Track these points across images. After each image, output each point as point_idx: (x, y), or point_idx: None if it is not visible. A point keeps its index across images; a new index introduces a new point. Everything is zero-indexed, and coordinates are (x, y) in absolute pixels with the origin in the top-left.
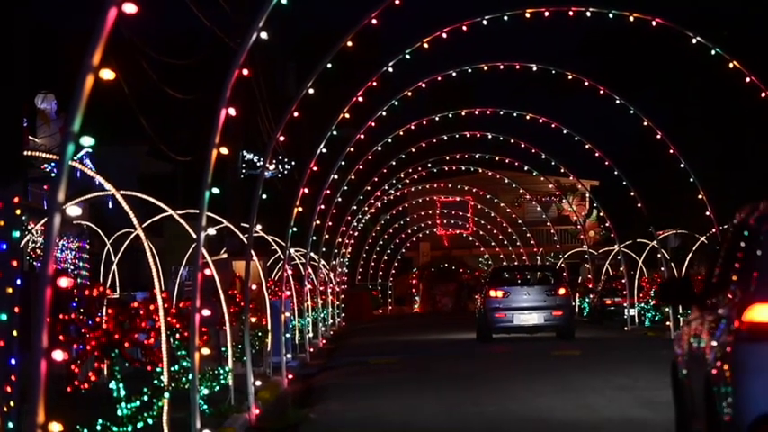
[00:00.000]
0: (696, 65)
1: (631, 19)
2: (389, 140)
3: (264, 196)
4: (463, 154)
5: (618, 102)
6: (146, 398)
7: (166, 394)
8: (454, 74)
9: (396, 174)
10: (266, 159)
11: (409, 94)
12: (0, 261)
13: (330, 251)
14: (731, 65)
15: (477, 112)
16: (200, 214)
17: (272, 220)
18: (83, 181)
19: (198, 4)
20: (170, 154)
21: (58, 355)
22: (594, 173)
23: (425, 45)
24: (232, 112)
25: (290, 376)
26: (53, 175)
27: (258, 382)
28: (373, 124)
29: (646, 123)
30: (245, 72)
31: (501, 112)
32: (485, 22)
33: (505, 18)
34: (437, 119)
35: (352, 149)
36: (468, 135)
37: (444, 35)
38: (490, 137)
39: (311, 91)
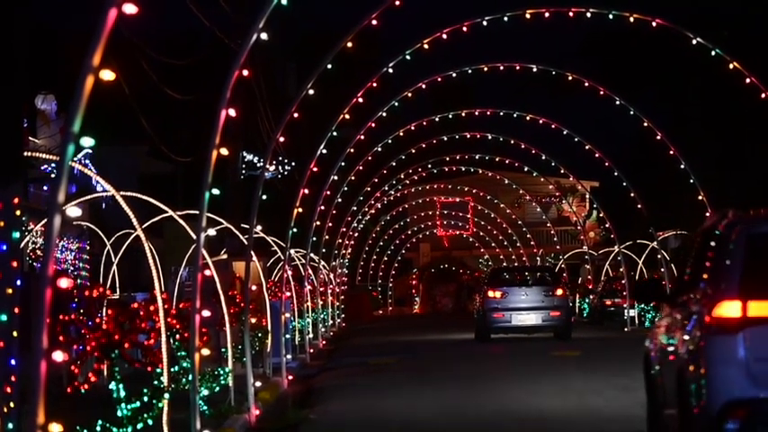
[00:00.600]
0: (696, 65)
1: (631, 20)
2: (389, 141)
3: (264, 197)
4: (463, 155)
5: (618, 102)
6: (146, 399)
7: (166, 395)
8: (454, 74)
9: (396, 174)
10: (266, 160)
11: (409, 94)
12: (0, 262)
13: (330, 252)
14: (731, 65)
15: (477, 113)
16: (201, 215)
17: (273, 220)
18: (83, 181)
19: (198, 4)
20: (170, 154)
21: (58, 356)
22: (595, 174)
23: (426, 46)
24: (232, 112)
25: (290, 377)
26: (53, 175)
27: (258, 383)
28: (373, 125)
29: (646, 124)
30: (246, 73)
31: (501, 113)
32: (485, 23)
33: (505, 19)
34: (437, 119)
35: (352, 150)
36: (468, 136)
37: (444, 36)
38: (490, 137)
39: (311, 91)
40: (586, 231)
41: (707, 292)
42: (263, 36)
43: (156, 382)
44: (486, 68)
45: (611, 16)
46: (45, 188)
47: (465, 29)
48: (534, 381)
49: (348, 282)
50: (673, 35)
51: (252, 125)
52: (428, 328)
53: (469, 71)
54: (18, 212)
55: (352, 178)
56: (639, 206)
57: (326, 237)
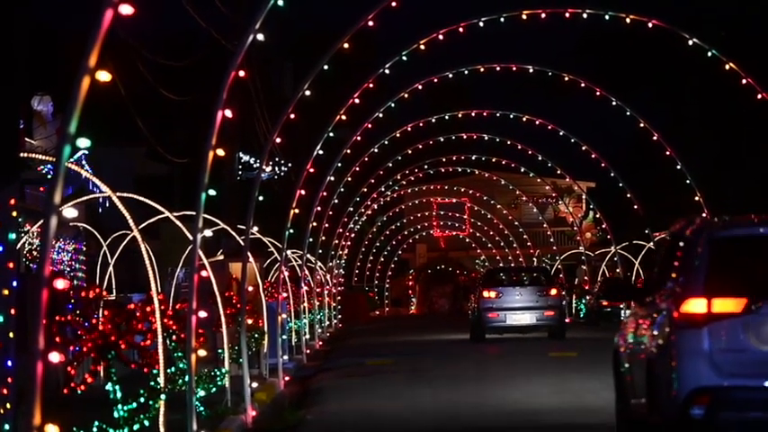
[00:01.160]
0: (693, 66)
1: (628, 20)
2: (386, 142)
3: (261, 198)
4: (460, 155)
5: (615, 103)
6: (142, 400)
7: (163, 396)
8: (451, 75)
9: (392, 175)
10: (263, 161)
11: (406, 95)
12: None
13: (327, 253)
14: (728, 66)
15: (473, 114)
16: (197, 216)
17: (269, 221)
18: (79, 183)
19: (194, 5)
20: (167, 155)
21: (55, 357)
22: (591, 174)
23: (422, 47)
24: (229, 113)
25: (287, 378)
26: (49, 176)
27: (255, 384)
28: (370, 126)
29: (642, 125)
30: (242, 73)
31: (497, 114)
32: (481, 24)
33: (502, 20)
34: (434, 120)
35: (348, 151)
36: (464, 137)
37: (441, 37)
38: (487, 138)
39: (308, 92)
40: (583, 232)
41: (675, 291)
42: (260, 37)
43: (152, 383)
44: (482, 69)
45: (607, 17)
46: (41, 189)
47: (461, 30)
48: (533, 382)
49: (345, 282)
50: (669, 36)
51: (248, 126)
52: (424, 329)
53: (466, 72)
54: (14, 213)
55: (349, 179)
56: (636, 207)
57: (323, 237)
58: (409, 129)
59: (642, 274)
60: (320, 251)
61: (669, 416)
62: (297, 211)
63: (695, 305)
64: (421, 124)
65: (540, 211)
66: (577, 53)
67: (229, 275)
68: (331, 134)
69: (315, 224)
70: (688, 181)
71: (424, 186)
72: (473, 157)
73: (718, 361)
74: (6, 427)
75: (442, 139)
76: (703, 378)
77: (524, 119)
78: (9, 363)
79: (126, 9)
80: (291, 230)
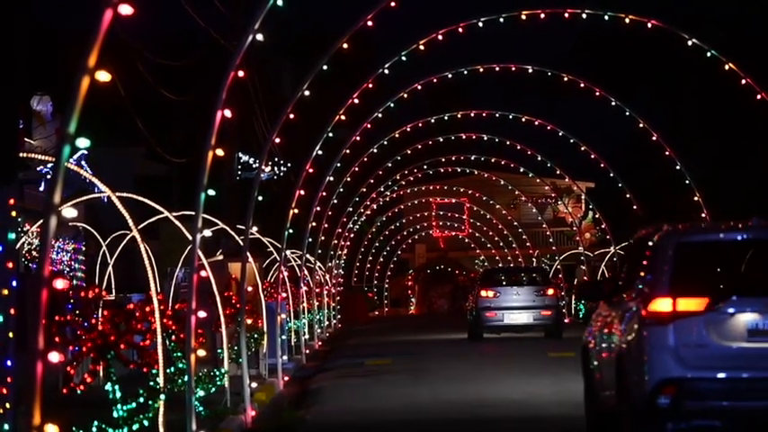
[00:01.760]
0: (692, 66)
1: (627, 21)
2: (385, 142)
3: (260, 198)
4: (459, 156)
5: (614, 103)
6: (141, 400)
7: (162, 396)
8: (450, 75)
9: (391, 175)
10: (262, 161)
11: (405, 95)
12: None
13: (326, 253)
14: (727, 67)
15: (472, 114)
16: (196, 216)
17: (268, 221)
18: (78, 182)
19: (193, 4)
20: (166, 155)
21: (54, 357)
22: (590, 174)
23: (421, 47)
24: (228, 113)
25: (286, 378)
26: (49, 176)
27: (254, 384)
28: (369, 126)
29: (642, 125)
30: (241, 74)
31: (497, 114)
32: (480, 24)
33: (501, 20)
34: (433, 121)
35: (347, 151)
36: (463, 137)
37: (440, 37)
38: (486, 138)
39: (307, 92)
40: (582, 232)
41: (644, 291)
42: (259, 37)
43: (151, 383)
44: (481, 69)
45: (606, 17)
46: (41, 189)
47: (461, 30)
48: (533, 383)
49: (344, 283)
50: (668, 36)
51: (247, 126)
52: (423, 329)
53: (465, 72)
54: (13, 213)
55: (348, 179)
56: (635, 207)
57: (322, 238)
58: (408, 129)
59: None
60: (319, 251)
61: (637, 405)
62: (296, 211)
63: (662, 304)
64: (420, 124)
65: (539, 211)
66: (576, 53)
67: (229, 275)
68: (330, 134)
69: (314, 224)
70: (687, 181)
71: (424, 186)
72: (472, 158)
73: (682, 355)
74: (6, 426)
75: (441, 140)
76: (669, 370)
77: (523, 119)
78: (8, 362)
79: (125, 9)
80: (291, 230)
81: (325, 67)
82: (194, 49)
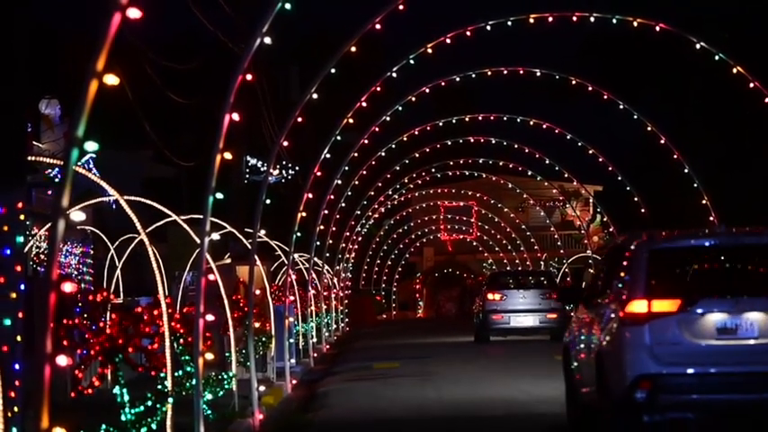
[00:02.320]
0: (699, 69)
1: (635, 24)
2: (393, 146)
3: (268, 201)
4: (467, 159)
5: (621, 107)
6: (149, 403)
7: (170, 399)
8: (458, 79)
9: (400, 179)
10: (270, 164)
11: (413, 99)
12: (4, 266)
13: (334, 256)
14: (735, 70)
15: (480, 118)
16: (204, 219)
17: (276, 225)
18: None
19: (200, 7)
20: (174, 159)
21: (62, 361)
22: (598, 178)
23: (429, 50)
24: (236, 116)
25: (294, 381)
26: (57, 180)
27: (262, 388)
28: (377, 129)
29: (649, 128)
30: (249, 77)
31: (505, 118)
32: (488, 28)
33: (509, 23)
34: (441, 124)
35: (356, 154)
36: (471, 140)
37: (448, 40)
38: (494, 142)
39: (315, 96)
40: (590, 235)
41: (621, 294)
42: (267, 40)
43: (159, 387)
44: (489, 72)
45: (614, 21)
46: (49, 192)
47: (469, 33)
48: (539, 384)
49: (352, 286)
50: (674, 39)
51: (256, 129)
52: (431, 332)
53: (473, 75)
54: (22, 217)
55: (356, 182)
56: (643, 210)
57: (330, 241)
58: (416, 132)
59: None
60: (327, 254)
61: (616, 399)
62: (304, 214)
63: (638, 306)
64: (428, 128)
65: (547, 214)
66: (583, 56)
67: (237, 279)
68: (338, 137)
69: (322, 227)
70: (695, 184)
71: (432, 190)
72: (480, 161)
73: (657, 352)
74: (14, 430)
75: (449, 143)
76: (645, 367)
77: (531, 122)
78: (17, 366)
79: (134, 13)
80: (299, 234)
81: (332, 71)
82: (201, 53)
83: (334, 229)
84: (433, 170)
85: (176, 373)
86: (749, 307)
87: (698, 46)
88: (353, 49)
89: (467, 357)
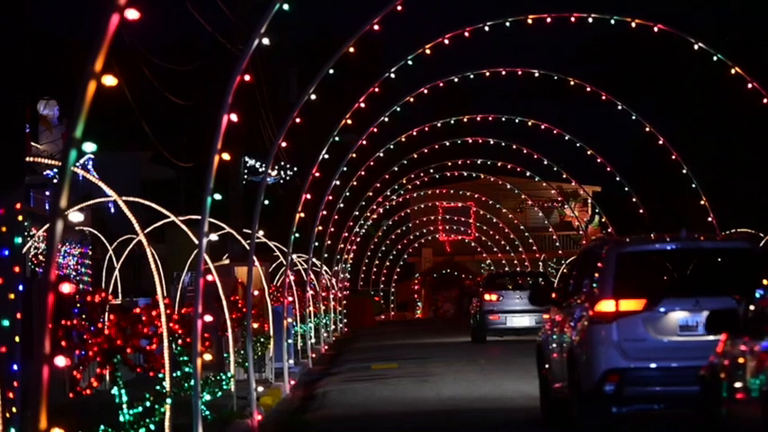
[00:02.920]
0: (697, 69)
1: (633, 25)
2: (391, 146)
3: (267, 202)
4: (465, 160)
5: (620, 107)
6: (148, 404)
7: (168, 400)
8: (456, 80)
9: (398, 180)
10: (268, 165)
11: (411, 99)
12: (2, 267)
13: (332, 257)
14: (733, 70)
15: (479, 118)
16: (203, 220)
17: (275, 225)
18: (85, 187)
19: (199, 8)
20: (172, 160)
21: (60, 361)
22: (596, 179)
23: (427, 51)
24: (234, 118)
25: (293, 382)
26: (55, 181)
27: (260, 388)
28: (375, 130)
29: (648, 129)
30: (247, 78)
31: (503, 118)
32: (487, 29)
33: (507, 24)
34: (439, 125)
35: (354, 155)
36: (470, 141)
37: (446, 41)
38: (492, 143)
39: (313, 96)
40: (589, 236)
41: (591, 294)
42: (265, 41)
43: (158, 388)
44: (487, 73)
45: (612, 21)
46: (47, 193)
47: (467, 34)
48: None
49: (350, 287)
50: (674, 40)
51: (254, 130)
52: (429, 333)
53: (471, 76)
54: (20, 218)
55: (354, 183)
56: (641, 211)
57: (328, 242)
58: (415, 133)
59: None
60: (326, 255)
61: (586, 392)
62: (302, 215)
63: (607, 305)
64: (426, 128)
65: (545, 215)
66: (582, 57)
67: (235, 279)
68: (336, 138)
69: (320, 228)
70: (694, 185)
71: (430, 190)
72: (479, 162)
73: (624, 348)
74: (12, 430)
75: (447, 144)
76: (613, 361)
77: (530, 123)
78: (15, 367)
79: (132, 14)
80: (297, 234)
81: (331, 71)
82: (200, 54)
83: (332, 229)
84: (432, 171)
85: (175, 374)
86: (708, 306)
87: (696, 47)
88: (352, 50)
89: (465, 358)
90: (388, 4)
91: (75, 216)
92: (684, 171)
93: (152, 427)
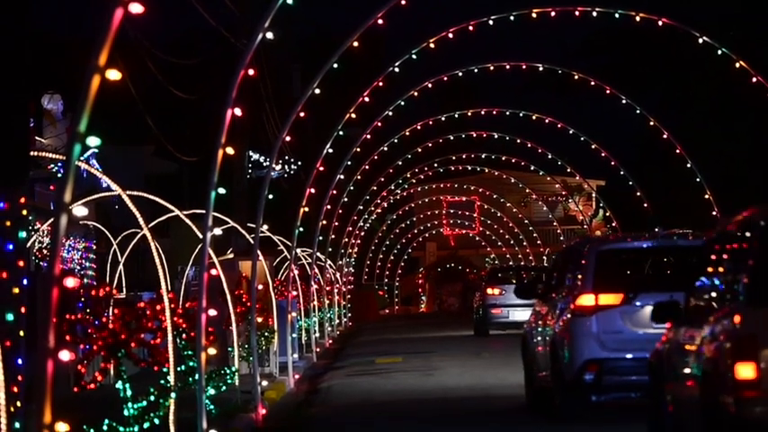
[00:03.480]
0: (702, 63)
1: (638, 19)
2: (396, 140)
3: (271, 196)
4: (469, 154)
5: (624, 101)
6: (152, 398)
7: (173, 394)
8: (460, 74)
9: (402, 174)
10: (272, 159)
11: (415, 94)
12: (6, 261)
13: (336, 251)
14: (737, 65)
15: (483, 112)
16: (207, 214)
17: (279, 220)
18: (89, 181)
19: (202, 2)
20: (176, 154)
21: (65, 356)
22: (601, 172)
23: (432, 45)
24: (238, 112)
25: (297, 376)
26: (59, 175)
27: (264, 383)
28: (379, 124)
29: (652, 123)
30: (251, 72)
31: (507, 112)
32: (491, 23)
33: (512, 18)
34: (443, 119)
35: (358, 149)
36: (474, 135)
37: (450, 35)
38: (496, 137)
39: (317, 91)
40: (593, 230)
41: (573, 289)
42: (269, 35)
43: (162, 382)
44: (492, 67)
45: (617, 15)
46: (51, 187)
47: (471, 28)
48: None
49: (354, 281)
50: (678, 33)
51: (258, 124)
52: (433, 327)
53: (475, 70)
54: (24, 212)
55: (359, 177)
56: (646, 205)
57: (333, 236)
58: (419, 127)
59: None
60: (330, 249)
61: (568, 381)
62: (307, 209)
63: (587, 299)
64: (431, 123)
65: (549, 209)
66: (587, 51)
67: (239, 274)
68: (341, 133)
69: (324, 222)
70: (698, 179)
71: (434, 185)
72: (483, 156)
73: (603, 339)
74: (17, 425)
75: (451, 138)
76: (593, 352)
77: (534, 117)
78: (19, 361)
79: (136, 8)
80: (301, 229)
81: (335, 66)
82: (204, 48)
83: (336, 223)
84: (436, 165)
85: (179, 368)
86: (681, 300)
87: (700, 41)
88: (356, 44)
89: (469, 351)
90: (387, 1)
91: (80, 210)
92: (689, 165)
93: (156, 421)
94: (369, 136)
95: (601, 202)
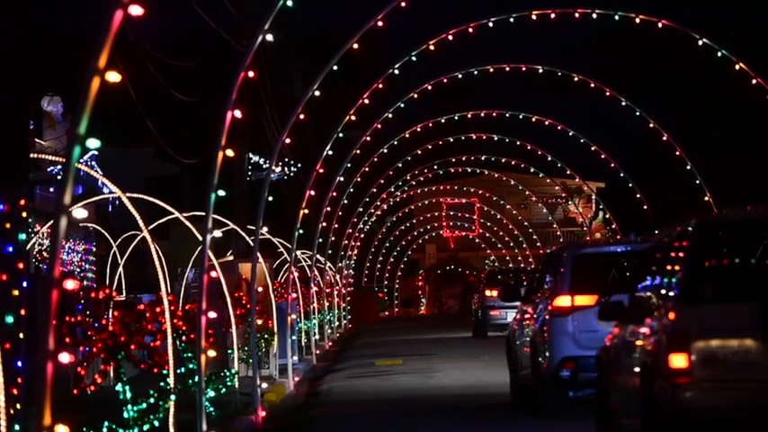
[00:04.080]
0: (702, 65)
1: (637, 20)
2: (395, 142)
3: (271, 198)
4: (469, 156)
5: (624, 103)
6: (152, 400)
7: (173, 396)
8: (460, 76)
9: (402, 176)
10: (272, 162)
11: (415, 96)
12: (6, 263)
13: (336, 253)
14: (737, 66)
15: (483, 114)
16: (207, 216)
17: (279, 222)
18: (89, 183)
19: (202, 5)
20: (176, 156)
21: (65, 358)
22: (601, 174)
23: (431, 47)
24: (238, 114)
25: (297, 378)
26: (59, 177)
27: (264, 385)
28: (379, 126)
29: (652, 125)
30: (251, 74)
31: (507, 114)
32: (491, 24)
33: (511, 20)
34: (443, 121)
35: (358, 151)
36: (473, 137)
37: (450, 37)
38: (496, 139)
39: (317, 93)
40: (593, 232)
41: (551, 291)
42: (269, 37)
43: (162, 384)
44: (491, 69)
45: (617, 17)
46: (51, 190)
47: (471, 30)
48: None
49: (354, 283)
50: (678, 36)
51: (258, 127)
52: (433, 329)
53: (475, 72)
54: (24, 214)
55: (358, 179)
56: (645, 207)
57: (332, 238)
58: (419, 129)
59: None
60: (330, 251)
61: (546, 377)
62: (306, 211)
63: (563, 300)
64: (430, 125)
65: (549, 211)
66: (586, 53)
67: (239, 276)
68: (341, 135)
69: (324, 224)
70: (698, 181)
71: (434, 187)
72: (482, 158)
73: (579, 338)
74: (17, 427)
75: (451, 140)
76: (569, 350)
77: (533, 119)
78: (19, 363)
79: (136, 10)
80: (301, 231)
81: (335, 68)
82: (204, 50)
83: (336, 226)
84: (436, 167)
85: (179, 371)
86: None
87: (700, 42)
88: (356, 46)
89: (468, 353)
90: (388, 2)
91: (79, 212)
92: (689, 166)
93: (156, 423)
94: (368, 138)
95: (600, 203)
